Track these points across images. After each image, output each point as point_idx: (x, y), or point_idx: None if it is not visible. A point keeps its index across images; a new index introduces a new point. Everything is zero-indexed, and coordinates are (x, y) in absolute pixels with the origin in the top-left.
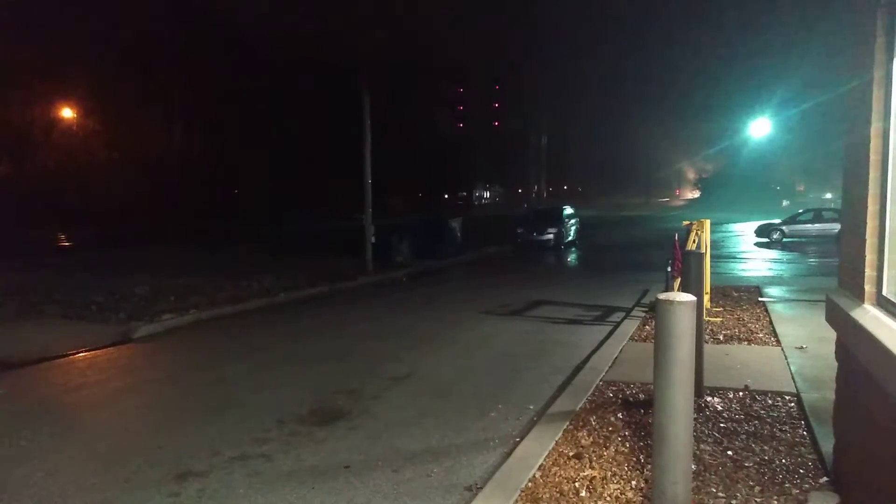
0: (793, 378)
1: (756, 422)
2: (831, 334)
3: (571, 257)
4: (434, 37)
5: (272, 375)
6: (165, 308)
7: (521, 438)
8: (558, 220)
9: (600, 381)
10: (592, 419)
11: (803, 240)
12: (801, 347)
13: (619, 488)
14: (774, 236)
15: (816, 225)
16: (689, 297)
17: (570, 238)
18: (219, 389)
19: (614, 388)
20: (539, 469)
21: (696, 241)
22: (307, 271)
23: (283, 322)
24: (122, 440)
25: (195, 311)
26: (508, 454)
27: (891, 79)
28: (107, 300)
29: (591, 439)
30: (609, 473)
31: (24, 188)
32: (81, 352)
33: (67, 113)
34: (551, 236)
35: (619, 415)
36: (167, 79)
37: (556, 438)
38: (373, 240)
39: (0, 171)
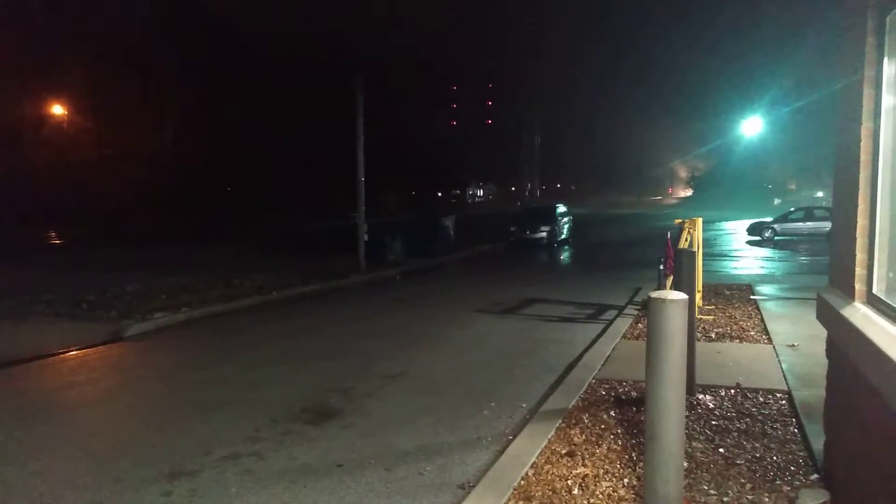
0: (784, 376)
1: (747, 419)
2: (822, 332)
3: (564, 255)
4: (430, 36)
5: (264, 374)
6: (157, 306)
7: (514, 436)
8: (551, 219)
9: (593, 379)
10: (585, 417)
11: (795, 238)
12: (793, 345)
13: (611, 486)
14: (766, 234)
15: (808, 223)
16: (682, 296)
17: (563, 236)
18: (210, 388)
19: (607, 386)
20: (532, 467)
21: (689, 240)
22: (301, 269)
23: (276, 320)
24: (114, 439)
25: (187, 309)
26: (501, 452)
27: (881, 78)
28: (98, 298)
29: (584, 437)
30: (601, 471)
31: (15, 186)
32: (72, 350)
33: (58, 110)
34: (544, 234)
35: (612, 413)
36: (164, 77)
37: (549, 436)
38: (366, 238)
39: None
